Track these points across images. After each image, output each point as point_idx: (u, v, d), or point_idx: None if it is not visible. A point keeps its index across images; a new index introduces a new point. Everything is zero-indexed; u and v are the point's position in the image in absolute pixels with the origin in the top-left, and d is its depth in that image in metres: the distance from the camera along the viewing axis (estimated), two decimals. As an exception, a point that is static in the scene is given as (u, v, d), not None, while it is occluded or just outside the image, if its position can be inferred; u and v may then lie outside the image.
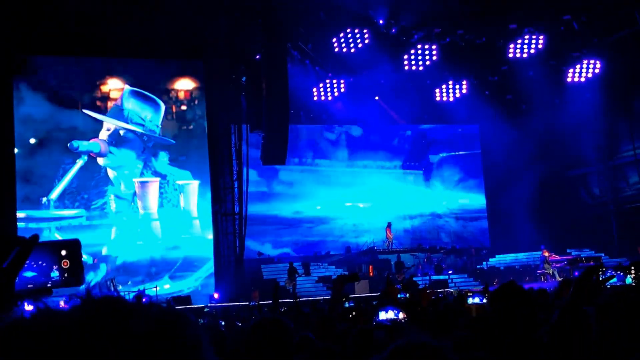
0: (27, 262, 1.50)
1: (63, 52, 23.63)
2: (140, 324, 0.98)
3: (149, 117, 25.05)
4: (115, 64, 24.92)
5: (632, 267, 8.67)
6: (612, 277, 3.53)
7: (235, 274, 24.36)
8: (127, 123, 24.79)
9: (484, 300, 8.64)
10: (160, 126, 25.24)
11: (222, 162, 24.91)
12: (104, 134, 24.61)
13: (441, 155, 32.65)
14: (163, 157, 25.32)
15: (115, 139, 24.75)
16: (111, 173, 24.73)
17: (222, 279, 24.25)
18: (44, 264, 1.72)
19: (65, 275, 1.74)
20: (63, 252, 1.74)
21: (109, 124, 24.64)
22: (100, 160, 24.56)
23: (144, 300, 1.04)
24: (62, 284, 1.73)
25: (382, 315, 7.05)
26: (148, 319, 0.99)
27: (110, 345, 0.95)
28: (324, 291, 23.98)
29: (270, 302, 17.75)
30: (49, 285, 1.72)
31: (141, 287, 22.83)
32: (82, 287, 1.22)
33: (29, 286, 1.68)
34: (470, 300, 8.99)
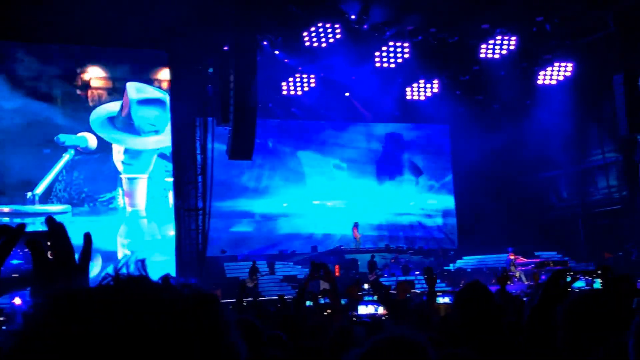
0: (14, 250, 1.52)
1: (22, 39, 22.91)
2: (173, 304, 0.97)
3: (157, 115, 24.52)
4: (96, 52, 24.27)
5: (600, 272, 8.39)
6: (577, 279, 3.51)
7: (197, 271, 23.76)
8: (140, 135, 24.23)
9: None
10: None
11: (186, 155, 24.31)
12: (118, 156, 24.05)
13: (410, 154, 32.44)
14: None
15: (130, 154, 24.30)
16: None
17: (183, 277, 23.55)
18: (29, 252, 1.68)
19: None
20: (49, 243, 1.67)
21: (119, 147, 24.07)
22: (120, 166, 24.10)
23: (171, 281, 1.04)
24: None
25: (362, 310, 6.84)
26: (181, 299, 0.99)
27: (144, 323, 0.94)
28: (288, 290, 23.55)
29: (234, 300, 17.32)
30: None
31: None
32: (110, 268, 1.14)
33: (13, 275, 1.67)
34: (440, 300, 8.83)
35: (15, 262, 1.64)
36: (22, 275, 1.67)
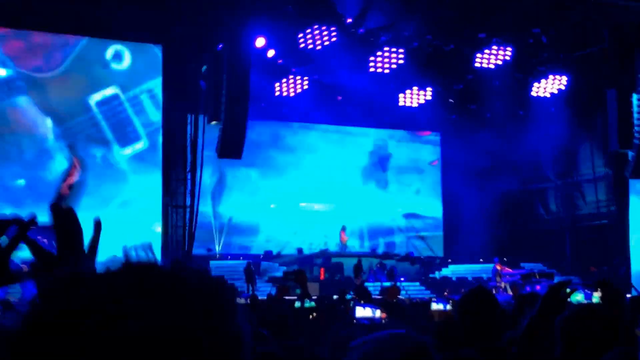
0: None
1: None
2: (183, 290, 0.98)
3: None
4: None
5: (599, 286, 8.43)
6: (574, 290, 3.48)
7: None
8: None
9: (448, 307, 8.73)
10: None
11: (176, 152, 24.15)
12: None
13: (400, 161, 32.41)
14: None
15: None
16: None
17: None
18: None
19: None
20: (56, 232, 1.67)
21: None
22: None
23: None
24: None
25: (359, 312, 6.79)
26: (191, 285, 1.00)
27: (155, 310, 0.95)
28: (274, 291, 23.43)
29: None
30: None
31: None
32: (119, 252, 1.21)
33: (22, 266, 1.69)
34: (434, 306, 8.88)
35: (23, 253, 1.66)
36: (32, 267, 1.68)
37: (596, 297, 8.25)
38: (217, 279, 1.04)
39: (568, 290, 3.15)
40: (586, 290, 9.22)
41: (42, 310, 0.96)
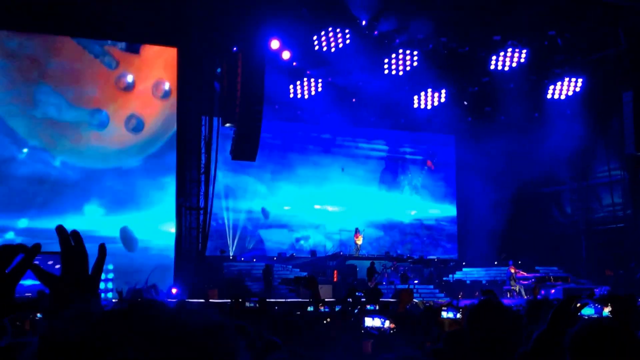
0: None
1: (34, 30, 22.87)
2: (187, 332, 1.01)
3: None
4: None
5: (609, 302, 8.42)
6: (585, 304, 3.54)
7: (195, 270, 23.64)
8: None
9: (458, 316, 8.64)
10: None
11: (191, 153, 24.18)
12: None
13: (415, 163, 32.30)
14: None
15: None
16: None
17: (181, 275, 23.52)
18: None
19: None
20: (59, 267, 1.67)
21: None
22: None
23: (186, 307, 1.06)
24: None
25: (368, 322, 6.76)
26: (194, 327, 1.02)
27: (159, 351, 0.97)
28: (286, 294, 23.45)
29: (229, 301, 17.19)
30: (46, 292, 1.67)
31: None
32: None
33: (27, 294, 1.70)
34: (444, 315, 8.79)
35: (28, 282, 1.66)
36: (36, 296, 1.70)
37: (606, 312, 8.19)
38: (220, 322, 1.06)
39: (579, 304, 3.12)
40: (597, 305, 9.11)
41: (51, 349, 0.99)
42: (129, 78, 24.53)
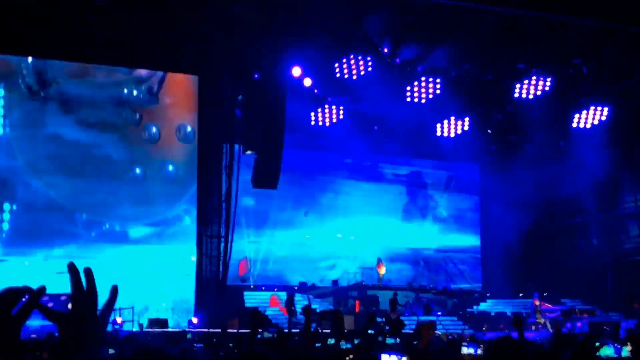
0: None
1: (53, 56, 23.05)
2: None
3: None
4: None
5: (629, 342, 8.08)
6: (604, 344, 3.51)
7: (216, 299, 23.39)
8: None
9: (479, 352, 8.37)
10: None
11: (212, 181, 24.08)
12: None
13: (437, 192, 31.97)
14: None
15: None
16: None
17: (202, 304, 23.29)
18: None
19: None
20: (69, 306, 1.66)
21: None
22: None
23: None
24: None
25: (385, 359, 6.51)
26: None
27: None
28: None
29: (248, 331, 16.89)
30: (56, 335, 1.67)
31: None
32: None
33: (32, 336, 2.05)
34: (464, 350, 8.49)
35: (35, 323, 1.61)
36: (41, 337, 1.68)
37: (626, 351, 7.85)
38: None
39: (597, 344, 3.04)
40: (617, 345, 8.76)
41: None
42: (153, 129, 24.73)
